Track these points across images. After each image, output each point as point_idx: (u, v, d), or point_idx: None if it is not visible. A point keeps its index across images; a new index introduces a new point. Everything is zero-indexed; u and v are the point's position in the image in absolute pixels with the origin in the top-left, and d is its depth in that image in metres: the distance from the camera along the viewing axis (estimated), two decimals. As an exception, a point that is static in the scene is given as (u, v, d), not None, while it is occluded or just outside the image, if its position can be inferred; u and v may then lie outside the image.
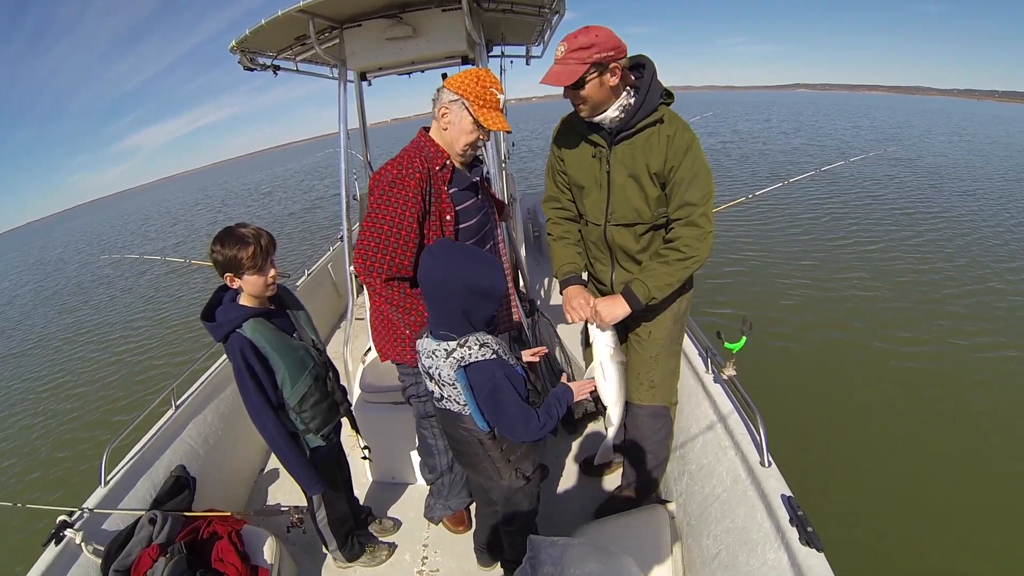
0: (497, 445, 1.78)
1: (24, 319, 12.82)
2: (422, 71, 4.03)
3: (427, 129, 2.11)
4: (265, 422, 1.91)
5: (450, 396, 1.70)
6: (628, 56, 1.89)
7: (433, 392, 1.77)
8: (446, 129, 2.04)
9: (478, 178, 2.22)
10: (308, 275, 5.31)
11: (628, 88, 1.92)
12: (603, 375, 2.05)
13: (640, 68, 1.94)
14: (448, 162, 2.07)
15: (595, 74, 1.82)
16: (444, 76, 5.80)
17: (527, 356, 2.00)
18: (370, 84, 4.20)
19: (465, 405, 1.67)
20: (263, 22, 3.06)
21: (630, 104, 1.91)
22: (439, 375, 1.66)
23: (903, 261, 8.34)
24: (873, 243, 9.29)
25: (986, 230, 9.85)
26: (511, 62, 5.50)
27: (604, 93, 1.87)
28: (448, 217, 2.07)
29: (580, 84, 1.83)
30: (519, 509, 2.05)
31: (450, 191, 2.08)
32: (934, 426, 4.47)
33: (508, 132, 2.23)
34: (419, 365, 1.79)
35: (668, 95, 1.94)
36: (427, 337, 1.71)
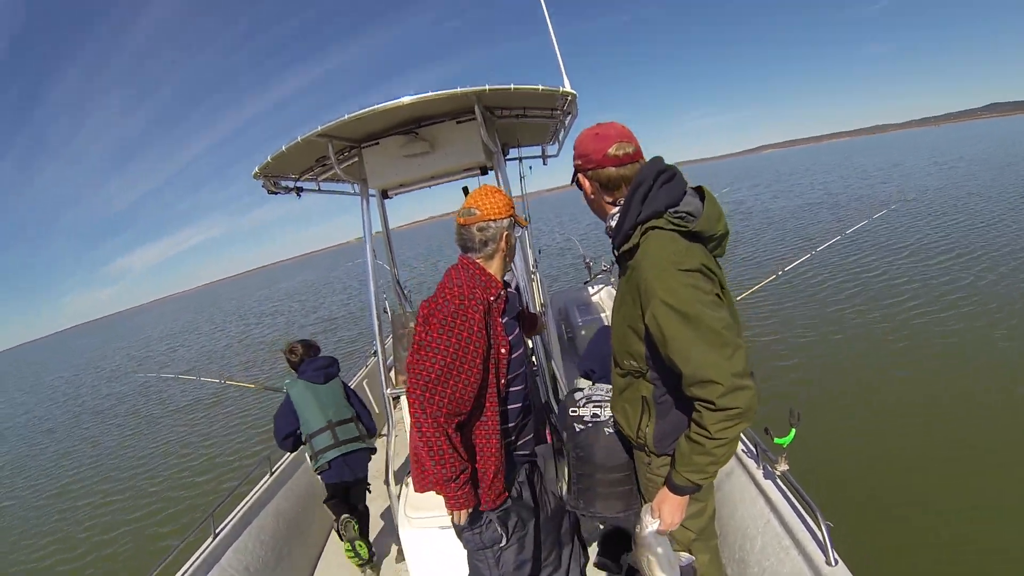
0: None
1: (55, 445, 12.64)
2: (441, 184, 4.07)
3: (464, 256, 2.06)
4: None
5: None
6: (621, 166, 1.66)
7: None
8: (504, 252, 2.06)
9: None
10: None
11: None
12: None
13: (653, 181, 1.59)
14: (503, 292, 2.02)
15: (576, 173, 1.79)
16: (465, 190, 5.93)
17: None
18: (391, 198, 4.25)
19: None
20: (284, 148, 3.13)
21: (613, 225, 1.70)
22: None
23: (953, 320, 7.35)
24: (919, 303, 8.27)
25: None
26: (530, 167, 5.63)
27: (591, 202, 1.81)
28: (503, 350, 1.97)
29: (575, 183, 1.83)
30: None
31: (504, 321, 2.01)
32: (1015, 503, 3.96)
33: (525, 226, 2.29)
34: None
35: (677, 210, 1.56)
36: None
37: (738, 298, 2.09)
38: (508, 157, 4.59)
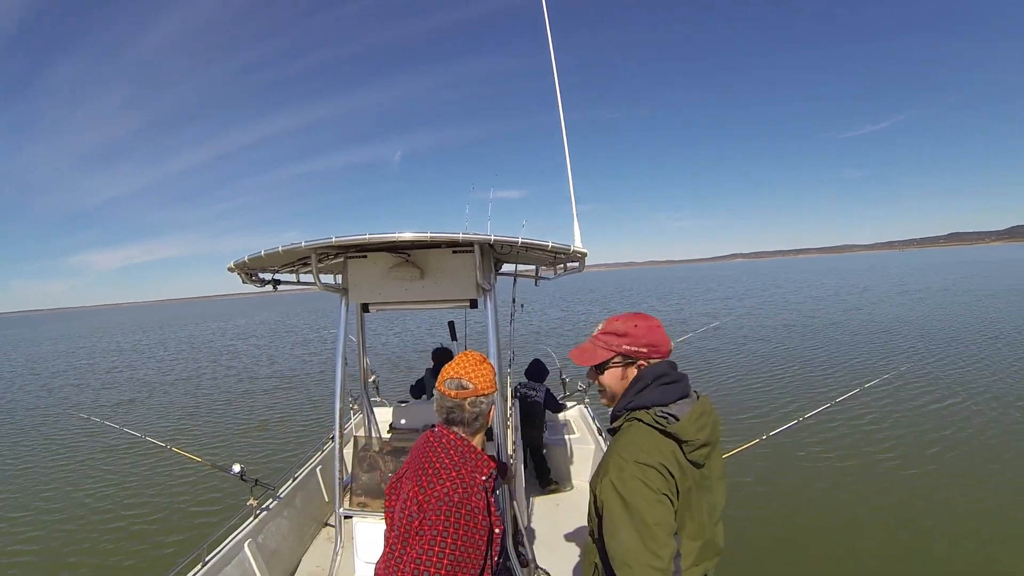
0: None
1: None
2: (425, 310, 3.88)
3: (448, 429, 1.94)
4: None
5: None
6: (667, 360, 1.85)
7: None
8: (487, 425, 1.98)
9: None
10: (295, 480, 4.90)
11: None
12: None
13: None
14: (494, 471, 1.93)
15: (619, 363, 1.83)
16: (451, 325, 5.68)
17: None
18: (371, 312, 3.99)
19: None
20: (263, 253, 2.90)
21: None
22: None
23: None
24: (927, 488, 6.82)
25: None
26: (522, 305, 5.40)
27: (623, 385, 1.84)
28: (497, 530, 1.86)
29: (601, 368, 1.86)
30: None
31: (493, 499, 1.91)
32: None
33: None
34: None
35: (672, 407, 1.70)
36: None
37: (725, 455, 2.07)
38: (500, 272, 4.38)
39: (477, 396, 1.89)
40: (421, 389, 6.14)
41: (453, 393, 1.88)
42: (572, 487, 5.72)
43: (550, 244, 2.94)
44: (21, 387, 21.58)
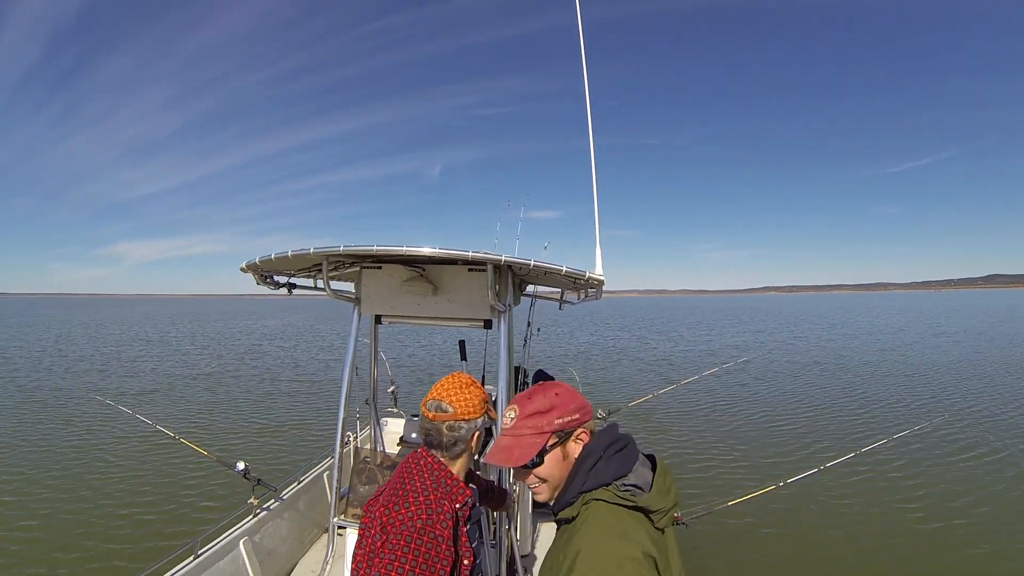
0: None
1: None
2: (438, 327, 3.85)
3: (428, 451, 1.89)
4: None
5: None
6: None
7: None
8: (472, 451, 1.92)
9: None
10: (300, 484, 4.90)
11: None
12: None
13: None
14: (470, 499, 1.88)
15: (556, 443, 1.49)
16: (462, 344, 5.59)
17: None
18: (384, 324, 3.95)
19: None
20: (272, 257, 2.88)
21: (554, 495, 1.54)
22: None
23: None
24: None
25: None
26: (539, 329, 5.29)
27: (566, 467, 1.50)
28: (466, 562, 1.82)
29: (540, 458, 1.48)
30: None
31: (467, 529, 1.86)
32: None
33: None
34: None
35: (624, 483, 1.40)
36: None
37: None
38: (523, 293, 4.30)
39: (456, 420, 1.84)
40: None
41: (431, 415, 1.85)
42: None
43: (564, 269, 2.87)
44: (48, 367, 21.95)
